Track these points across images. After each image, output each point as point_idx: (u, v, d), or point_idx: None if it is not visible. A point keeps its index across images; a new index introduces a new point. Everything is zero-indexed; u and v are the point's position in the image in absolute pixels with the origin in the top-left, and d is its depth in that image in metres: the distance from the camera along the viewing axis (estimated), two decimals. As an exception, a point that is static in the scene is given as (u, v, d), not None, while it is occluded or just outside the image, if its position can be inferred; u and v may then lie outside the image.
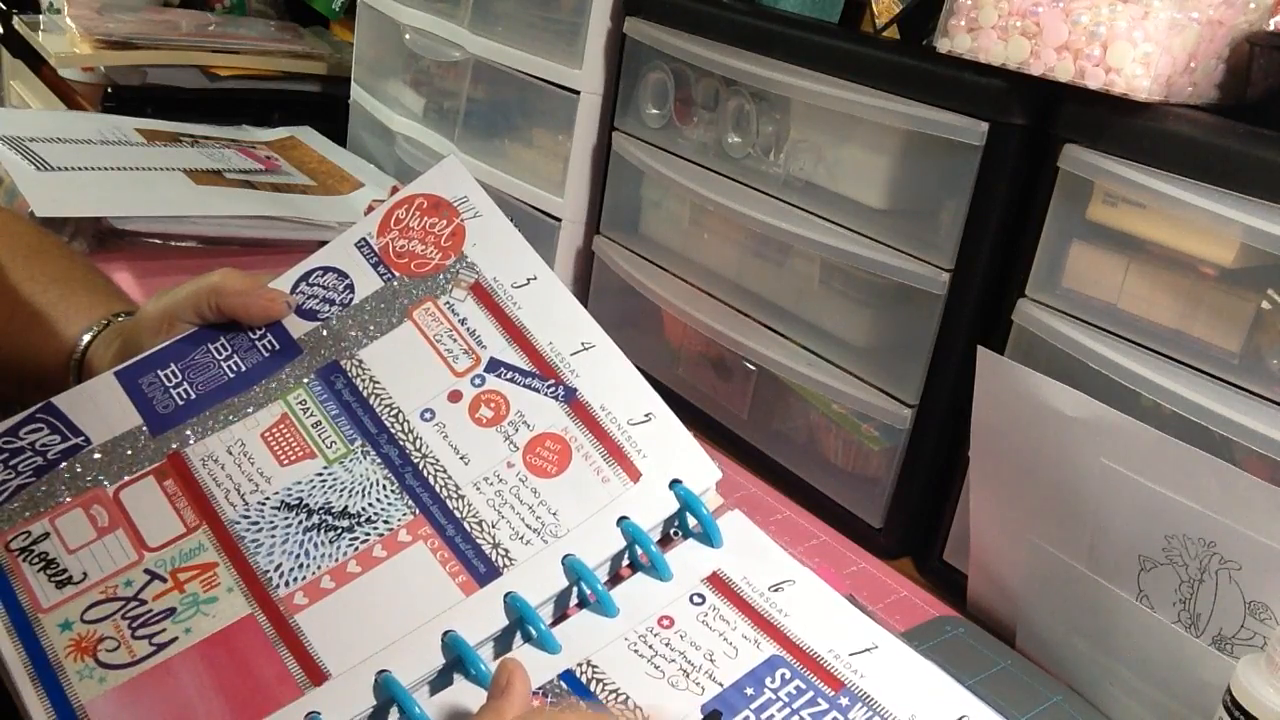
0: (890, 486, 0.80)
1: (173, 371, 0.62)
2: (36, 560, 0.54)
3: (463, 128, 1.19)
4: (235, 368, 0.62)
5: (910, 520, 0.80)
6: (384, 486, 0.57)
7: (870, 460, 0.82)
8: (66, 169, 1.10)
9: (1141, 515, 0.59)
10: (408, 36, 1.28)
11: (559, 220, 1.08)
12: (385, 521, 0.55)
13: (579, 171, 1.06)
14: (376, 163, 1.40)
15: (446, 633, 0.51)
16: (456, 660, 0.50)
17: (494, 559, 0.54)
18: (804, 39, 0.82)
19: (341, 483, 0.57)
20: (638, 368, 0.61)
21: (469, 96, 1.18)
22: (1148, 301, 0.64)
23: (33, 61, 1.60)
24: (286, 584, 0.53)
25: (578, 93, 1.03)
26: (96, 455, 0.59)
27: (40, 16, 1.60)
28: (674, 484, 0.56)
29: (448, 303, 0.63)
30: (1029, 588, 0.68)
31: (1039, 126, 0.69)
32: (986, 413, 0.67)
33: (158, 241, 1.07)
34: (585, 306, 0.63)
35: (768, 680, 0.50)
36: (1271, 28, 0.67)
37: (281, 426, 0.59)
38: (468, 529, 0.55)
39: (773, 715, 0.49)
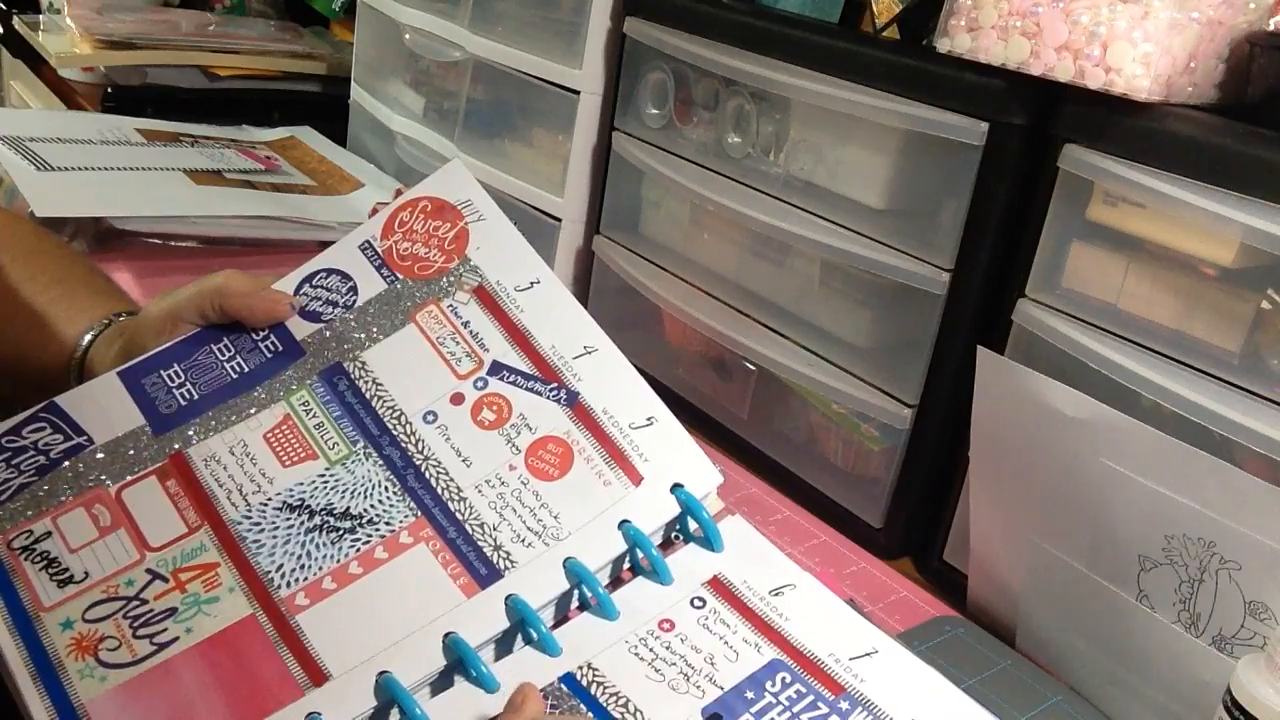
0: (890, 486, 0.80)
1: (176, 372, 0.62)
2: (38, 559, 0.54)
3: (463, 128, 1.19)
4: (238, 368, 0.62)
5: (910, 520, 0.80)
6: (386, 488, 0.57)
7: (870, 460, 0.82)
8: (66, 169, 1.10)
9: (1141, 515, 0.59)
10: (408, 36, 1.28)
11: (559, 220, 1.08)
12: (387, 523, 0.55)
13: (579, 171, 1.06)
14: (377, 163, 1.40)
15: (448, 634, 0.51)
16: (457, 662, 0.50)
17: (495, 561, 0.54)
18: (804, 39, 0.82)
19: (343, 484, 0.57)
20: (638, 368, 0.61)
21: (469, 96, 1.18)
22: (1148, 301, 0.65)
23: (33, 61, 1.60)
24: (288, 584, 0.53)
25: (578, 93, 1.03)
26: (99, 455, 0.59)
27: (40, 16, 1.60)
28: (675, 488, 0.57)
29: (451, 305, 0.63)
30: (1029, 588, 0.68)
31: (1039, 126, 0.69)
32: (986, 413, 0.67)
33: (158, 241, 1.07)
34: (585, 307, 0.63)
35: (768, 684, 0.50)
36: (1271, 28, 0.67)
37: (284, 427, 0.59)
38: (469, 531, 0.55)
39: (773, 719, 0.49)
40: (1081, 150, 0.66)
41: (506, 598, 0.52)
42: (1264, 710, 0.49)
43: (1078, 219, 0.68)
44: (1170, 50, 0.63)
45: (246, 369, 0.62)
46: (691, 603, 0.54)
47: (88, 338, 0.67)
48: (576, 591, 0.54)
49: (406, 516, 0.56)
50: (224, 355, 0.63)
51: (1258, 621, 0.56)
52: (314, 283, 0.65)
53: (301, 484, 0.57)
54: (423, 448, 0.58)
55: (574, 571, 0.53)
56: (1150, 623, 0.60)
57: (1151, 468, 0.58)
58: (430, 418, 0.59)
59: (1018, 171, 0.71)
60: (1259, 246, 0.58)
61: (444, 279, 0.64)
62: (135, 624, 0.52)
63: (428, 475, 0.57)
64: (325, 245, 0.67)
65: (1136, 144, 0.63)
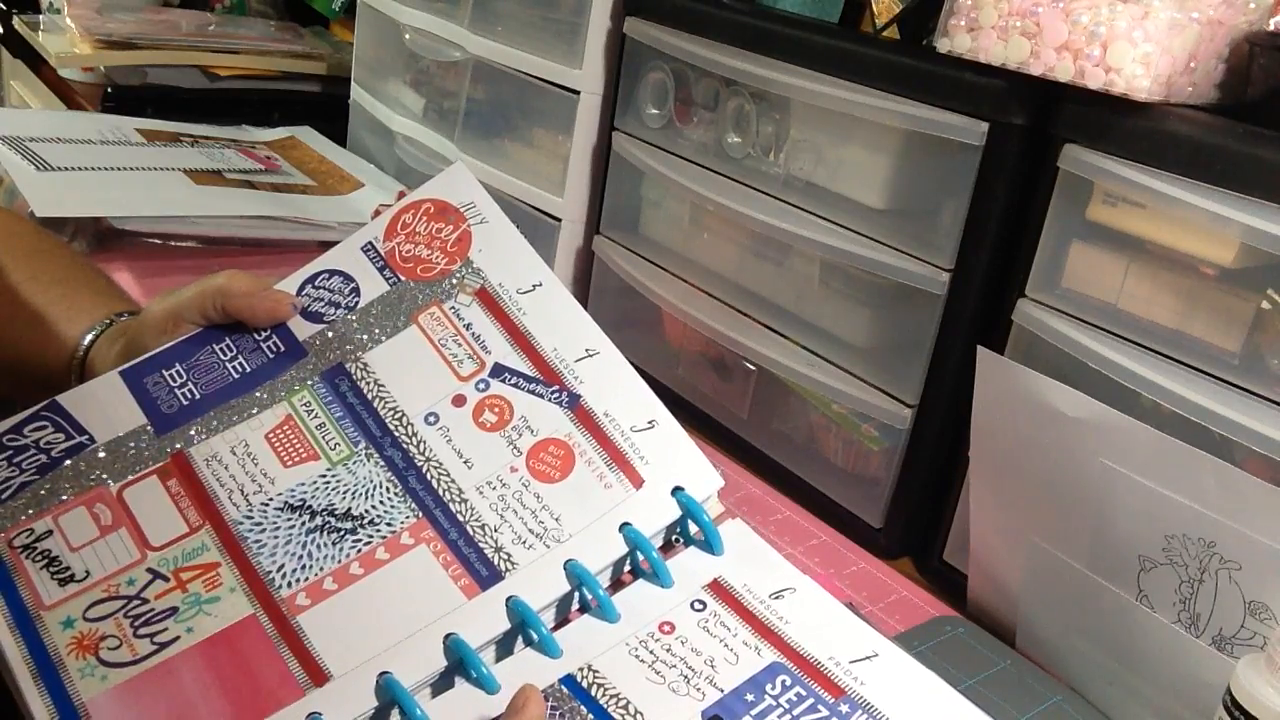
0: (890, 486, 0.80)
1: (177, 371, 0.62)
2: (39, 558, 0.54)
3: (463, 128, 1.19)
4: (240, 369, 0.62)
5: (910, 520, 0.80)
6: (387, 489, 0.57)
7: (870, 460, 0.82)
8: (66, 169, 1.10)
9: (1141, 515, 0.59)
10: (408, 36, 1.28)
11: (559, 220, 1.08)
12: (388, 524, 0.55)
13: (579, 171, 1.06)
14: (377, 163, 1.40)
15: (448, 635, 0.51)
16: (458, 663, 0.51)
17: (496, 563, 0.54)
18: (804, 39, 0.82)
19: (345, 485, 0.57)
20: (638, 368, 0.61)
21: (469, 96, 1.18)
22: (1148, 301, 0.65)
23: (33, 61, 1.60)
24: (289, 585, 0.53)
25: (578, 93, 1.03)
26: (100, 454, 0.59)
27: (40, 16, 1.60)
28: (676, 491, 0.56)
29: (453, 307, 0.63)
30: (1029, 588, 0.68)
31: (1039, 126, 0.69)
32: (986, 413, 0.67)
33: (158, 241, 1.07)
34: (585, 307, 0.63)
35: (768, 687, 0.50)
36: (1271, 28, 0.67)
37: (285, 428, 0.59)
38: (470, 532, 0.55)
39: (773, 720, 0.49)
40: (1081, 150, 0.66)
41: (507, 599, 0.52)
42: (1264, 710, 0.50)
43: (1078, 219, 0.68)
44: (1170, 50, 0.63)
45: (248, 369, 0.62)
46: (692, 605, 0.54)
47: (89, 337, 0.67)
48: (577, 593, 0.54)
49: (408, 517, 0.56)
50: (226, 355, 0.63)
51: (1258, 621, 0.56)
52: (316, 283, 0.65)
53: (303, 484, 0.57)
54: (424, 449, 0.58)
55: (575, 573, 0.53)
56: (1150, 623, 0.60)
57: (1151, 468, 0.58)
58: (432, 419, 0.59)
59: (1018, 171, 0.71)
60: (1259, 246, 0.58)
61: (446, 281, 0.64)
62: (136, 623, 0.52)
63: (429, 476, 0.57)
64: (326, 245, 0.68)
65: (1136, 144, 0.63)
